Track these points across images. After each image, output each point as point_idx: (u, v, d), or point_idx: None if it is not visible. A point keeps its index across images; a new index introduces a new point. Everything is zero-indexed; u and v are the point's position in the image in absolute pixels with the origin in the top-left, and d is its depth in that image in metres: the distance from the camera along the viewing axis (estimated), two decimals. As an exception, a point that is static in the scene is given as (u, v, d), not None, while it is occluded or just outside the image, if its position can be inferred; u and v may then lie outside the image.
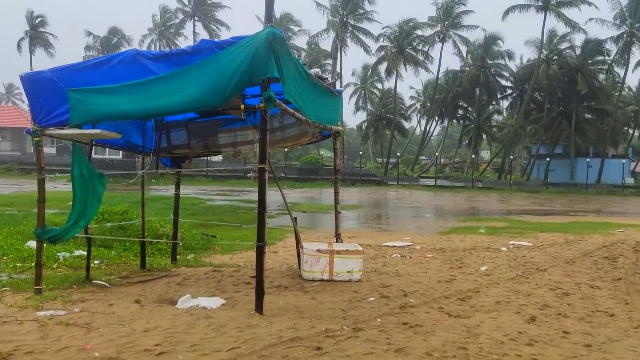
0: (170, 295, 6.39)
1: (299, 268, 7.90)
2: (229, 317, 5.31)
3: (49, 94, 5.96)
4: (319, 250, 7.56)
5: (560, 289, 7.39)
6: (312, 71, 7.05)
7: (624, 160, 56.08)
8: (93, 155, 7.60)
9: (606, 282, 8.03)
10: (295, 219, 8.36)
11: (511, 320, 5.65)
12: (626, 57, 51.28)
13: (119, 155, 41.01)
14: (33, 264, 6.53)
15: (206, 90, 5.48)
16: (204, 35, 57.96)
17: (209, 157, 29.66)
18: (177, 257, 9.01)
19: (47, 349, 4.20)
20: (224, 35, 58.22)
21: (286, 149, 36.26)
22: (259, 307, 5.55)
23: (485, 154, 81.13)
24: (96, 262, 8.26)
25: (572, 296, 6.99)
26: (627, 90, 58.87)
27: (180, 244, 9.39)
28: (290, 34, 59.29)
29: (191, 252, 10.07)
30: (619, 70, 54.08)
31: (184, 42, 61.91)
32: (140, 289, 6.65)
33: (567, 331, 5.25)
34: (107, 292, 6.36)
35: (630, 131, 61.86)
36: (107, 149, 20.69)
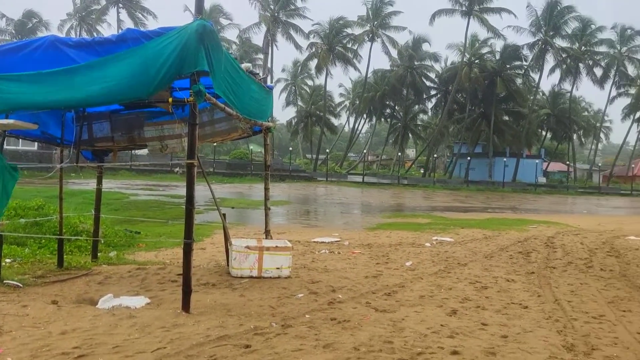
0: (90, 295, 6.09)
1: (228, 265, 7.79)
2: (154, 317, 5.13)
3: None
4: (248, 247, 7.49)
5: (479, 283, 7.79)
6: (244, 66, 6.94)
7: (537, 161, 60.16)
8: (5, 146, 7.06)
9: (521, 276, 8.57)
10: (224, 215, 8.23)
11: (434, 313, 5.88)
12: (541, 63, 54.94)
13: (34, 147, 38.38)
14: None
15: (132, 82, 5.23)
16: (128, 23, 55.40)
17: (133, 151, 28.52)
18: (99, 254, 8.59)
19: (-50, 357, 3.87)
20: (151, 24, 56.08)
21: (215, 144, 35.61)
22: (185, 306, 5.41)
23: (411, 152, 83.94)
24: (7, 260, 7.68)
25: (490, 289, 7.39)
26: (541, 94, 63.06)
27: (102, 241, 8.96)
28: (220, 27, 58.16)
29: (114, 249, 9.64)
30: (534, 76, 57.95)
31: (107, 29, 58.97)
32: (58, 289, 6.29)
33: (485, 323, 5.55)
34: (20, 293, 5.96)
35: (543, 133, 66.29)
36: (20, 139, 19.28)
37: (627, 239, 14.30)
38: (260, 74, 8.33)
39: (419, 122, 69.33)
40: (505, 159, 53.11)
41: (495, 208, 27.34)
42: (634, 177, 61.28)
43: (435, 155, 60.13)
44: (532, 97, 58.09)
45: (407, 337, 4.87)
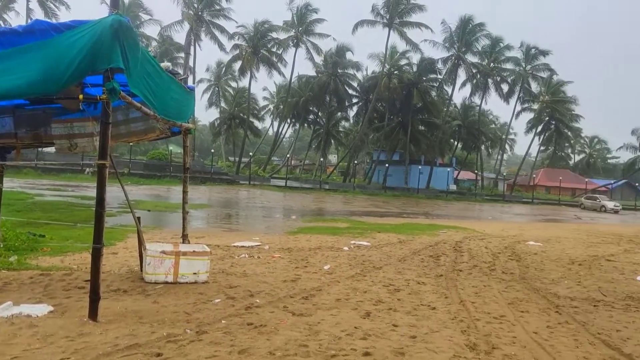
0: (-15, 303, 5.62)
1: (141, 271, 7.51)
2: (57, 326, 4.84)
3: None
4: (163, 252, 7.27)
5: (392, 286, 8.09)
6: (163, 65, 6.75)
7: (448, 169, 63.44)
8: None
9: (430, 278, 8.99)
10: (139, 218, 7.93)
11: (349, 316, 6.03)
12: (453, 77, 58.07)
13: None
14: None
15: (39, 76, 4.93)
16: (38, 13, 51.78)
17: (40, 148, 26.70)
18: (-4, 259, 7.94)
19: None
20: (64, 16, 52.71)
21: (131, 144, 34.13)
22: (92, 314, 5.15)
23: (333, 158, 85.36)
24: None
25: (402, 292, 7.70)
26: (453, 106, 66.54)
27: (1, 245, 8.28)
28: (139, 22, 55.98)
29: (14, 253, 8.94)
30: (448, 89, 61.17)
31: (15, 18, 54.63)
32: (-54, 298, 5.74)
33: (396, 324, 5.77)
34: None
35: (455, 143, 69.97)
36: None
37: (527, 244, 15.45)
38: (181, 74, 8.12)
39: (341, 129, 70.68)
40: (420, 167, 55.61)
41: (410, 213, 28.45)
42: (534, 186, 66.55)
43: (355, 162, 61.51)
44: (445, 109, 61.22)
45: (322, 340, 4.96)
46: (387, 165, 56.65)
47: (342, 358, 4.43)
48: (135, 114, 7.31)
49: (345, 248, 12.33)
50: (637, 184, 63.32)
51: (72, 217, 15.05)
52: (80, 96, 5.40)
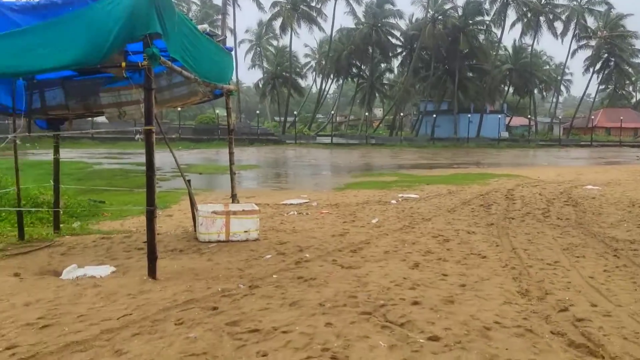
0: (53, 266, 6.03)
1: (195, 231, 7.79)
2: (119, 285, 5.14)
3: None
4: (214, 212, 7.49)
5: (442, 236, 8.04)
6: (201, 27, 6.75)
7: (499, 116, 61.24)
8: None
9: (481, 227, 8.86)
10: (189, 180, 8.18)
11: (397, 267, 6.06)
12: (502, 17, 55.20)
13: (-12, 118, 36.80)
14: None
15: (82, 47, 5.03)
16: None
17: (93, 118, 27.70)
18: (61, 225, 8.44)
19: None
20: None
21: (180, 109, 34.85)
22: (151, 272, 5.42)
23: (378, 112, 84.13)
24: (-35, 236, 7.52)
25: (452, 242, 7.64)
26: (503, 49, 63.59)
27: (61, 212, 8.77)
28: (178, -14, 55.97)
29: (77, 219, 9.49)
30: (496, 31, 58.28)
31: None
32: (19, 262, 6.19)
33: (445, 274, 5.76)
34: (-20, 268, 5.84)
35: (506, 88, 67.25)
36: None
37: (584, 189, 14.88)
38: (220, 34, 8.11)
39: (385, 81, 69.26)
40: (469, 115, 53.93)
41: (460, 164, 27.89)
42: (593, 128, 63.28)
43: (401, 114, 60.49)
44: (494, 53, 58.58)
45: (370, 291, 5.03)
46: (434, 115, 55.35)
47: (391, 307, 4.48)
48: (178, 79, 7.40)
49: (393, 201, 12.29)
50: None
51: (129, 183, 15.72)
52: (123, 64, 5.49)
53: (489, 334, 3.92)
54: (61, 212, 8.70)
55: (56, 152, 8.20)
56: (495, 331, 3.99)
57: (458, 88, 56.94)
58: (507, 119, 67.04)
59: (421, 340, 3.76)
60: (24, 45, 4.96)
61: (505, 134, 58.93)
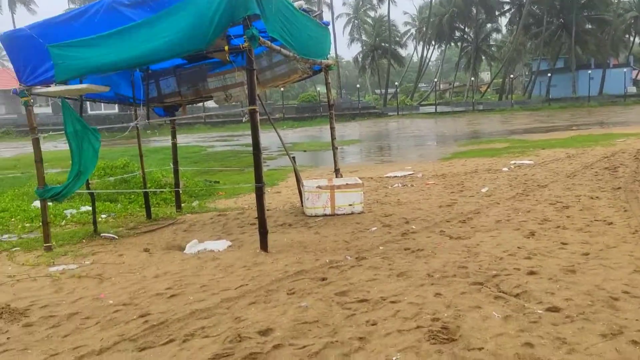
0: (177, 242, 6.55)
1: (302, 205, 8.02)
2: (235, 258, 5.46)
3: (30, 52, 5.85)
4: (319, 187, 7.64)
5: (560, 203, 7.48)
6: (296, 4, 6.82)
7: (625, 69, 55.13)
8: (89, 112, 7.56)
9: (606, 192, 8.12)
10: (294, 158, 8.40)
11: (511, 237, 5.76)
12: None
13: (115, 109, 40.61)
14: (40, 223, 6.65)
15: (188, 34, 5.34)
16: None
17: (204, 104, 29.41)
18: (182, 205, 9.14)
19: (62, 302, 4.36)
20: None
21: (282, 89, 35.75)
22: (263, 246, 5.70)
23: (485, 76, 79.77)
24: (103, 216, 8.42)
25: (572, 208, 7.09)
26: (626, -5, 56.82)
27: (181, 192, 9.47)
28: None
29: (195, 199, 10.21)
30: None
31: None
32: (148, 238, 6.81)
33: (565, 242, 5.37)
34: (116, 244, 6.52)
35: (631, 39, 60.20)
36: (102, 104, 20.48)
37: None
38: (316, 10, 8.12)
39: (491, 43, 65.24)
40: (590, 71, 49.03)
41: (580, 125, 25.67)
42: None
43: (512, 76, 56.56)
44: (615, 1, 52.45)
45: (482, 261, 4.84)
46: (549, 74, 51.21)
47: (505, 277, 4.28)
48: (278, 58, 7.58)
49: (505, 169, 11.66)
50: None
51: (240, 163, 16.54)
52: (226, 47, 5.72)
53: (617, 305, 3.60)
54: (181, 193, 9.40)
55: (173, 137, 8.85)
56: (624, 301, 3.66)
57: (575, 42, 51.99)
58: (634, 72, 60.08)
59: (539, 311, 3.55)
60: (139, 38, 5.37)
61: (632, 89, 52.96)
